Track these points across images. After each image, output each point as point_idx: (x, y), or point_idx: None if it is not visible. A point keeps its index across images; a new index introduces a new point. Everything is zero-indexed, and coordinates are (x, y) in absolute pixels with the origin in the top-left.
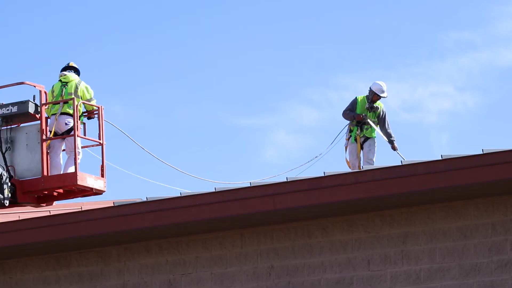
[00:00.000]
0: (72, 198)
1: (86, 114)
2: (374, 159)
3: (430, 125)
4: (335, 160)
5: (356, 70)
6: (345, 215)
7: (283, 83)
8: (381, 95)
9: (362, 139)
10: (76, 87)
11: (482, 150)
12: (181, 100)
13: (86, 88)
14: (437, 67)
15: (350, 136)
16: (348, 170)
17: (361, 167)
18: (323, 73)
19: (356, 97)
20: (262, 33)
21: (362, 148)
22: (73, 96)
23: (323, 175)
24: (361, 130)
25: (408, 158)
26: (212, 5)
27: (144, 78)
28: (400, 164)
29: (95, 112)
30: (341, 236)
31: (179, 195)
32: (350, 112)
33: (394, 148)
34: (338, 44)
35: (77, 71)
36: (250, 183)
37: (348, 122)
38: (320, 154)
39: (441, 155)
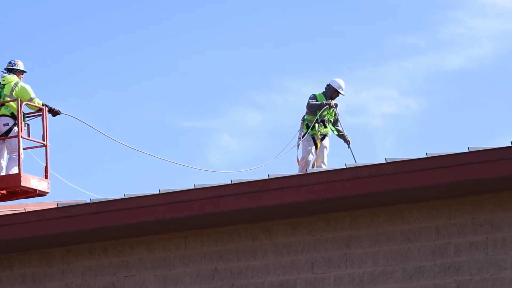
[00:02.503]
0: (16, 199)
1: (39, 114)
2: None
3: (374, 129)
4: (279, 163)
5: (301, 73)
6: (289, 217)
7: (228, 86)
8: (341, 92)
9: (322, 136)
10: (12, 89)
11: (426, 153)
12: (126, 102)
13: (24, 88)
14: (381, 71)
15: (307, 133)
16: (293, 172)
17: (315, 165)
18: (268, 76)
19: (314, 94)
20: (207, 36)
21: (318, 146)
22: (9, 99)
23: (267, 177)
24: (325, 127)
25: (352, 161)
26: (158, 8)
27: (89, 79)
28: (345, 167)
29: (55, 111)
30: (285, 238)
31: (123, 196)
32: (317, 101)
33: (348, 142)
34: (283, 47)
35: (19, 70)
36: (194, 185)
37: (301, 120)
38: (288, 147)
39: (385, 159)
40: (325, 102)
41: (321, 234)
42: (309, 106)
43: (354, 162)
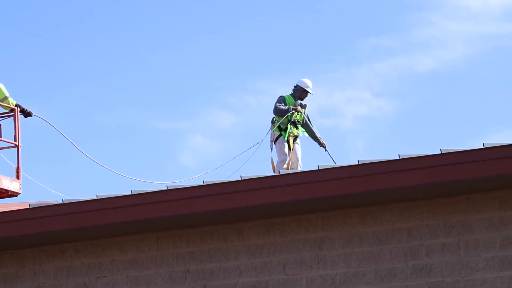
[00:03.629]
0: None
1: (11, 115)
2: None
3: (346, 130)
4: (251, 164)
5: (274, 75)
6: (261, 219)
7: (201, 87)
8: (310, 91)
9: (294, 138)
10: None
11: (399, 155)
12: (98, 103)
13: None
14: (354, 72)
15: (281, 135)
16: (265, 174)
17: (289, 167)
18: (241, 77)
19: (282, 96)
20: (180, 38)
21: (291, 147)
22: None
23: (239, 179)
24: (296, 128)
25: (325, 162)
26: (131, 10)
27: (61, 80)
28: (317, 168)
29: (27, 112)
30: (257, 240)
31: (95, 197)
32: (284, 105)
33: (323, 145)
34: (256, 48)
35: None
36: (167, 186)
37: (271, 123)
38: (258, 142)
39: (358, 160)
40: (291, 107)
41: (293, 236)
42: (276, 110)
43: (332, 164)
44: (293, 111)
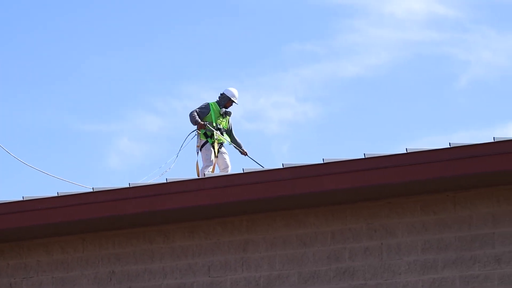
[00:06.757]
0: None
1: None
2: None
3: (271, 135)
4: (177, 167)
5: (200, 79)
6: (186, 221)
7: (128, 91)
8: (235, 100)
9: (219, 145)
10: None
11: (323, 159)
12: (25, 105)
13: None
14: (279, 77)
15: (207, 141)
16: (191, 177)
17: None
18: (167, 81)
19: (208, 103)
20: (108, 42)
21: (216, 154)
22: None
23: (165, 181)
24: (222, 134)
25: (250, 166)
26: (60, 12)
27: None
28: (242, 172)
29: None
30: (182, 242)
31: (21, 199)
32: (198, 116)
33: (244, 153)
34: (183, 53)
35: None
36: (93, 188)
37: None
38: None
39: (282, 164)
40: (200, 124)
41: (218, 238)
42: (190, 117)
43: (258, 167)
44: (201, 128)
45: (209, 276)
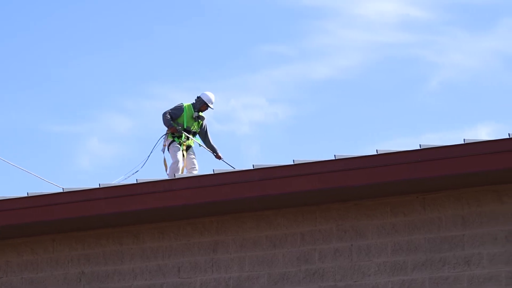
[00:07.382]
0: None
1: None
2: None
3: (242, 136)
4: (147, 168)
5: (170, 80)
6: (156, 222)
7: (98, 92)
8: (211, 105)
9: (186, 147)
10: None
11: (293, 160)
12: None
13: None
14: (250, 79)
15: (173, 140)
16: (161, 177)
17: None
18: (137, 82)
19: (182, 104)
20: (77, 42)
21: (184, 154)
22: None
23: (135, 182)
24: (188, 139)
25: (220, 167)
26: (30, 13)
27: None
28: (212, 173)
29: None
30: (152, 243)
31: None
32: (171, 119)
33: (219, 157)
34: (153, 54)
35: None
36: (63, 188)
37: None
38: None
39: (253, 165)
40: (171, 128)
41: (188, 239)
42: (163, 118)
43: (229, 168)
44: (173, 132)
45: (179, 277)
